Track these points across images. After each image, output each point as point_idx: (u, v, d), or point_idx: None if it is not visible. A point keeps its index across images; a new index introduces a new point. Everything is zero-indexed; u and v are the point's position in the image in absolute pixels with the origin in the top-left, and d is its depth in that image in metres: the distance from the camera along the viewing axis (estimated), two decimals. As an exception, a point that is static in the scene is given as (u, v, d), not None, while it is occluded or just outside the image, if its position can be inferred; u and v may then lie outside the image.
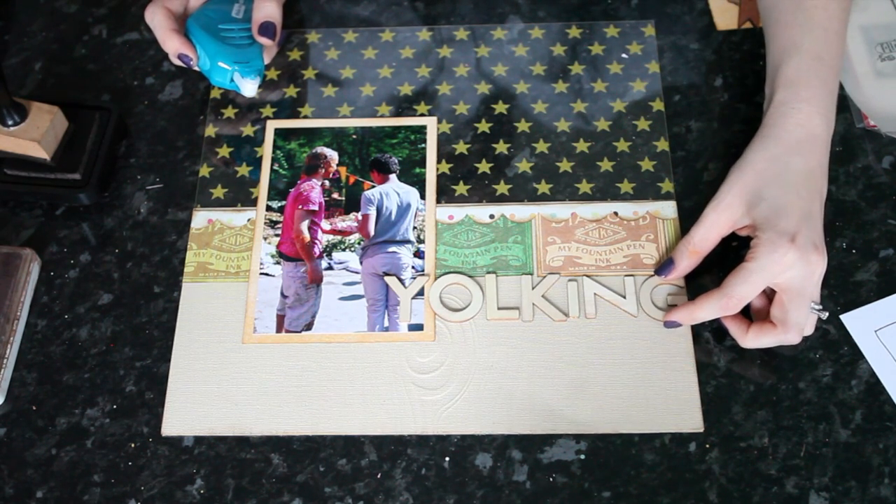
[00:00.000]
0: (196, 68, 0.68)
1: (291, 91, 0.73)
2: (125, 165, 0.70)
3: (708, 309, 0.59)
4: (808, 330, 0.59)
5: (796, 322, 0.57)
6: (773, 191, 0.59)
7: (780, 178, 0.59)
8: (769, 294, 0.59)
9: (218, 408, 0.60)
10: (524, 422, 0.59)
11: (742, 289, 0.57)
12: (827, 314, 0.60)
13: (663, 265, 0.62)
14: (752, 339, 0.59)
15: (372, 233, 0.66)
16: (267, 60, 0.71)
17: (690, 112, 0.70)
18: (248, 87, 0.69)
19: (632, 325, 0.62)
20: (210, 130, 0.72)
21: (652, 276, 0.63)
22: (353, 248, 0.66)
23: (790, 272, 0.57)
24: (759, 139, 0.61)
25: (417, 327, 0.62)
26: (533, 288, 0.63)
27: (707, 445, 0.58)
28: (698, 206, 0.66)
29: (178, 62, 0.68)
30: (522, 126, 0.70)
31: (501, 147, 0.70)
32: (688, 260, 0.61)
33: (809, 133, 0.60)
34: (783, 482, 0.57)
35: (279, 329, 0.63)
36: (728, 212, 0.60)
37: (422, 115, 0.71)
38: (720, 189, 0.61)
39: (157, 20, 0.67)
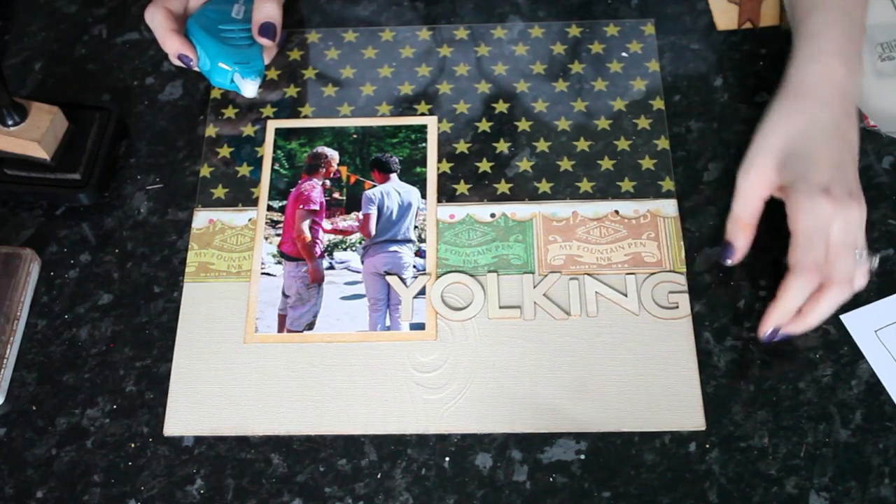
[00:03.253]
0: (196, 69, 0.68)
1: (292, 91, 0.73)
2: (125, 165, 0.70)
3: (793, 292, 0.56)
4: (860, 282, 0.57)
5: (845, 275, 0.55)
6: (800, 146, 0.58)
7: (807, 132, 0.58)
8: None
9: (219, 408, 0.60)
10: (526, 420, 0.59)
11: (809, 255, 0.55)
12: (877, 261, 0.58)
13: (724, 250, 0.61)
14: (813, 313, 0.56)
15: (373, 232, 0.66)
16: (267, 61, 0.71)
17: (690, 112, 0.70)
18: (249, 88, 0.69)
19: (633, 323, 0.62)
20: (210, 130, 0.72)
21: (653, 273, 0.63)
22: (354, 248, 0.66)
23: (832, 225, 0.55)
24: (781, 95, 0.60)
25: (419, 326, 0.62)
26: (534, 287, 0.63)
27: (707, 445, 0.58)
28: (699, 205, 0.66)
29: (177, 63, 0.68)
30: (523, 125, 0.70)
31: (502, 146, 0.70)
32: (742, 234, 0.60)
33: (832, 84, 0.59)
34: (783, 482, 0.57)
35: (281, 329, 0.63)
36: (759, 175, 0.59)
37: (422, 114, 0.71)
38: (747, 153, 0.60)
39: (157, 20, 0.67)
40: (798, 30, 0.63)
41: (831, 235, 0.56)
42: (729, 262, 0.61)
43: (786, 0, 0.68)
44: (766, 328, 0.58)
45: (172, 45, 0.67)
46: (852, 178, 0.57)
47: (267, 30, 0.68)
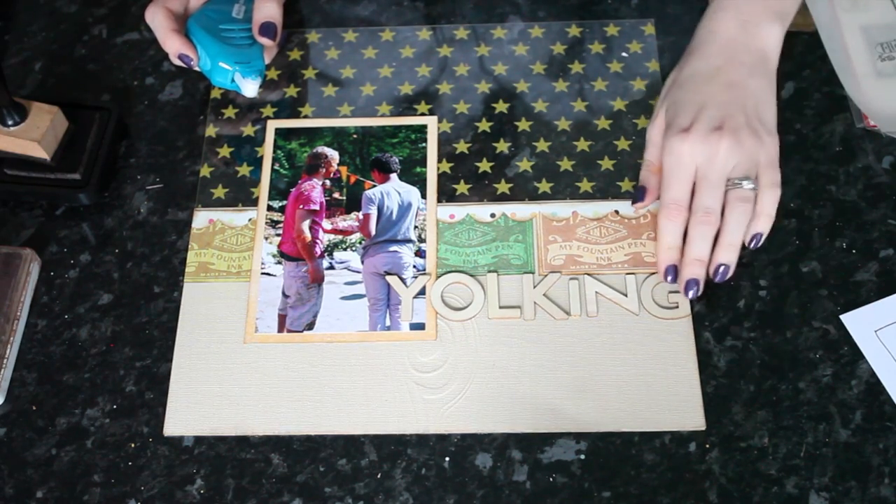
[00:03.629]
0: (196, 68, 0.68)
1: (292, 91, 0.73)
2: (125, 165, 0.70)
3: (663, 230, 0.61)
4: (742, 207, 0.60)
5: (702, 206, 0.59)
6: (676, 94, 0.63)
7: (685, 82, 0.63)
8: None
9: (219, 408, 0.60)
10: (526, 420, 0.59)
11: (668, 194, 0.60)
12: (749, 183, 0.60)
13: (636, 193, 0.65)
14: (689, 247, 0.60)
15: (373, 232, 0.66)
16: (267, 60, 0.71)
17: (691, 112, 0.70)
18: (249, 88, 0.69)
19: (633, 323, 0.62)
20: (210, 130, 0.72)
21: (653, 273, 0.63)
22: (354, 248, 0.66)
23: (694, 161, 0.60)
24: (684, 54, 0.66)
25: (419, 326, 0.62)
26: (534, 287, 0.63)
27: (707, 445, 0.58)
28: (699, 206, 0.66)
29: (178, 62, 0.68)
30: (523, 125, 0.70)
31: (502, 146, 0.70)
32: (653, 178, 0.64)
33: (721, 38, 0.63)
34: (783, 482, 0.57)
35: (281, 329, 0.63)
36: (657, 124, 0.64)
37: (422, 114, 0.71)
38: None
39: (158, 20, 0.67)
40: None
41: (699, 169, 0.60)
42: (639, 204, 0.65)
43: None
44: (660, 272, 0.62)
45: (173, 45, 0.67)
46: (720, 114, 0.60)
47: (267, 29, 0.68)
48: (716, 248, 0.60)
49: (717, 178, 0.60)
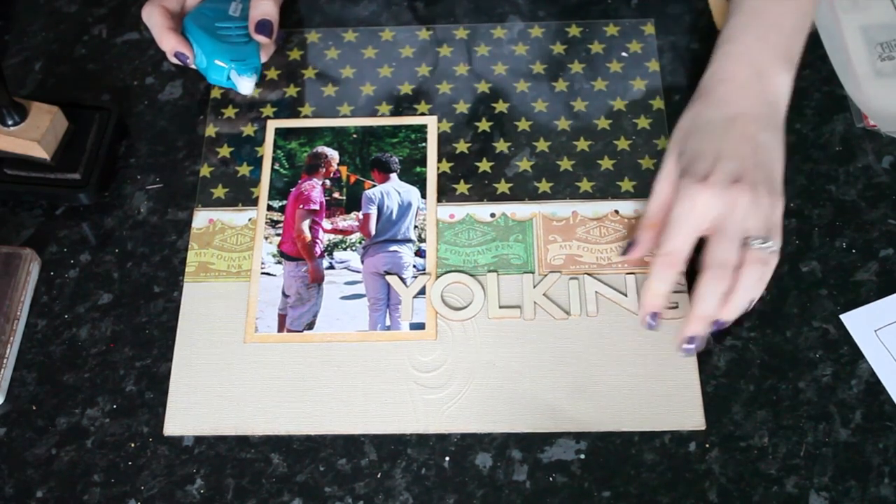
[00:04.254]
0: (193, 66, 0.68)
1: (291, 91, 0.73)
2: (125, 165, 0.70)
3: (655, 276, 0.57)
4: (758, 267, 0.56)
5: (719, 261, 0.55)
6: (691, 144, 0.60)
7: (699, 131, 0.61)
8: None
9: (219, 408, 0.60)
10: (526, 420, 0.59)
11: (671, 243, 0.57)
12: (772, 245, 0.56)
13: (626, 245, 0.62)
14: (694, 302, 0.56)
15: (373, 232, 0.66)
16: (264, 59, 0.72)
17: (690, 112, 0.70)
18: (245, 85, 0.69)
19: (633, 323, 0.62)
20: (210, 130, 0.72)
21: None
22: (354, 248, 0.66)
23: (710, 212, 0.56)
24: (690, 101, 0.64)
25: (419, 326, 0.62)
26: (534, 286, 0.63)
27: (707, 445, 0.58)
28: (699, 206, 0.66)
29: (174, 60, 0.69)
30: (523, 125, 0.70)
31: (502, 146, 0.70)
32: (647, 234, 0.61)
33: (724, 81, 0.62)
34: (783, 482, 0.57)
35: (281, 328, 0.63)
36: (667, 178, 0.61)
37: (422, 114, 0.71)
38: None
39: (154, 18, 0.67)
40: (719, 35, 0.65)
41: (712, 223, 0.57)
42: (629, 256, 0.62)
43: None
44: (642, 316, 0.59)
45: (169, 43, 0.67)
46: (740, 166, 0.57)
47: (263, 27, 0.68)
48: (724, 305, 0.56)
49: (735, 232, 0.56)
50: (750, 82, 0.61)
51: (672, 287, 0.58)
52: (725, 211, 0.56)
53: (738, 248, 0.56)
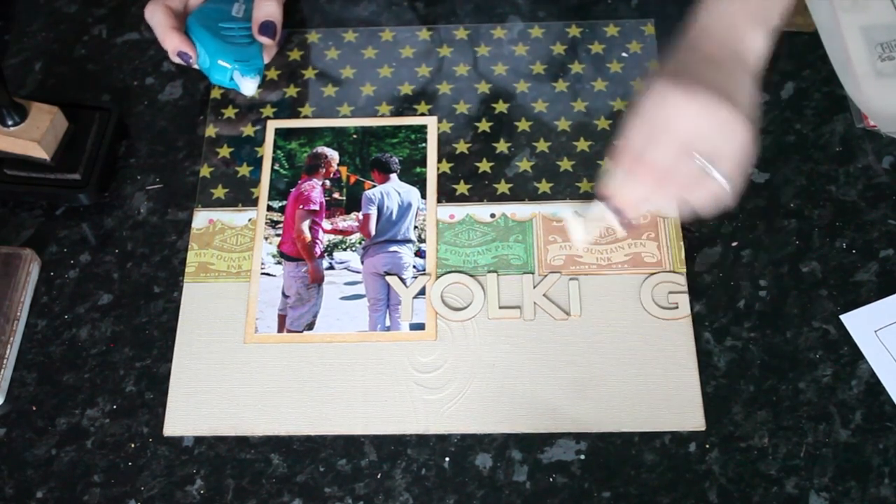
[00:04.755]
0: (195, 66, 0.68)
1: (292, 91, 0.73)
2: (125, 165, 0.70)
3: (632, 181, 0.56)
4: (696, 190, 0.55)
5: (653, 160, 0.54)
6: (679, 70, 0.57)
7: (688, 62, 0.57)
8: None
9: (219, 408, 0.60)
10: (526, 420, 0.59)
11: (630, 135, 0.55)
12: (724, 181, 0.54)
13: (606, 178, 0.58)
14: (626, 189, 0.56)
15: (373, 232, 0.66)
16: (267, 60, 0.72)
17: (691, 112, 0.70)
18: (248, 86, 0.69)
19: (633, 323, 0.62)
20: (210, 130, 0.71)
21: (653, 274, 0.63)
22: (354, 248, 0.66)
23: (695, 126, 0.54)
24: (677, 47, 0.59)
25: (419, 327, 0.62)
26: (534, 287, 0.63)
27: (707, 445, 0.58)
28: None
29: (177, 60, 0.69)
30: (523, 125, 0.70)
31: (502, 146, 0.70)
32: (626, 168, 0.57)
33: (708, 39, 0.58)
34: (783, 482, 0.57)
35: (280, 329, 0.63)
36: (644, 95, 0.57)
37: (422, 114, 0.71)
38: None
39: (157, 18, 0.67)
40: None
41: (658, 114, 0.54)
42: (605, 190, 0.58)
43: None
44: (614, 207, 0.57)
45: (172, 42, 0.67)
46: (721, 94, 0.54)
47: (267, 28, 0.68)
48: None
49: (676, 138, 0.55)
50: (729, 40, 0.59)
51: (647, 195, 0.56)
52: (705, 127, 0.54)
53: (692, 164, 0.55)
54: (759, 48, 0.61)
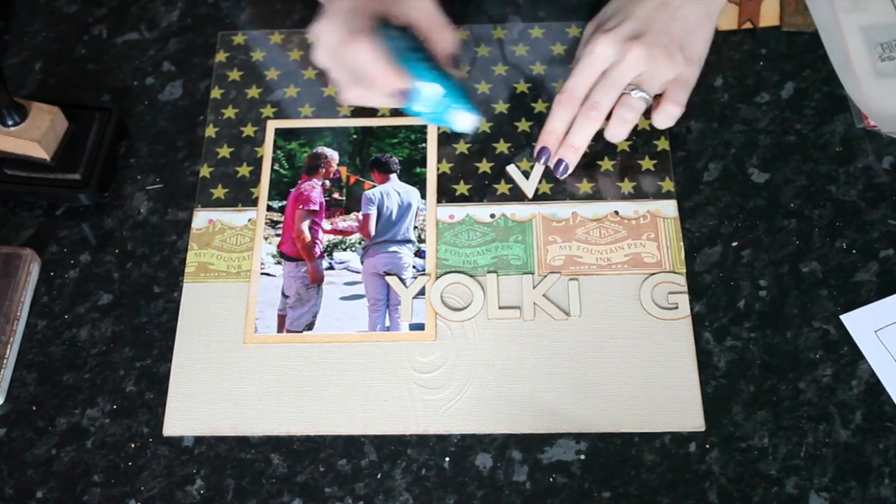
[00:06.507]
0: (406, 107, 0.59)
1: (291, 91, 0.73)
2: (125, 165, 0.70)
3: (553, 114, 0.65)
4: (627, 115, 0.64)
5: (592, 100, 0.63)
6: (611, 6, 0.67)
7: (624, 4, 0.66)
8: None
9: (219, 408, 0.60)
10: (525, 421, 0.59)
11: (571, 82, 0.64)
12: (644, 95, 0.64)
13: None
14: (570, 135, 0.65)
15: (373, 232, 0.66)
16: None
17: (690, 112, 0.70)
18: (470, 123, 0.60)
19: (633, 323, 0.62)
20: (210, 130, 0.71)
21: (653, 274, 0.63)
22: (353, 248, 0.66)
23: (604, 59, 0.63)
24: None
25: (418, 327, 0.62)
26: (534, 287, 0.63)
27: (707, 445, 0.58)
28: (698, 206, 0.66)
29: (378, 101, 0.60)
30: (523, 125, 0.70)
31: (502, 146, 0.70)
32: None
33: None
34: (783, 482, 0.57)
35: (280, 329, 0.63)
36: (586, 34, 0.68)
37: (422, 114, 0.71)
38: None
39: (371, 53, 0.56)
40: None
41: (603, 69, 0.63)
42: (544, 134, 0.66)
43: None
44: (535, 150, 0.66)
45: (392, 81, 0.57)
46: (639, 26, 0.63)
47: (456, 61, 0.62)
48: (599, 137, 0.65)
49: (615, 80, 0.63)
50: None
51: (567, 126, 0.65)
52: (615, 60, 0.63)
53: (614, 93, 0.64)
54: None
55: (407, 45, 0.59)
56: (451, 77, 0.59)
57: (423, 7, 0.60)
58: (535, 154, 0.66)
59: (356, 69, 0.58)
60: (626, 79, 0.63)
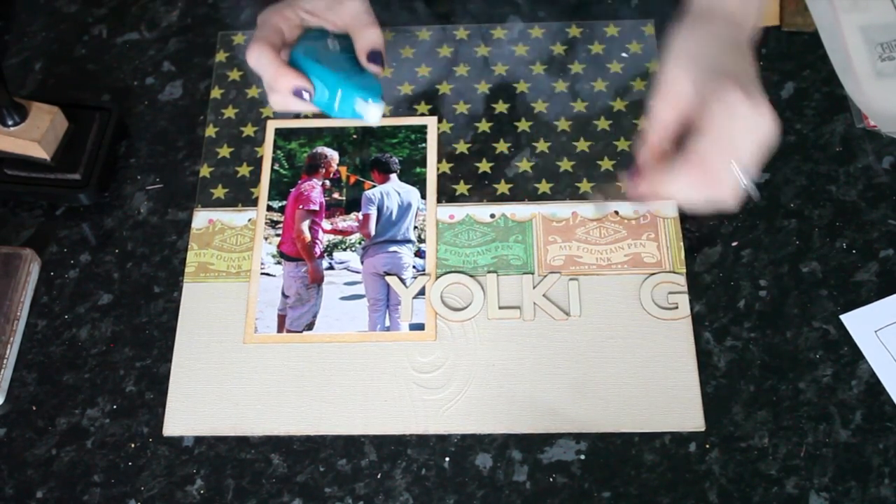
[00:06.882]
0: (312, 105, 0.61)
1: (291, 91, 0.73)
2: (125, 165, 0.70)
3: (680, 183, 0.55)
4: (724, 192, 0.54)
5: (716, 169, 0.53)
6: (712, 61, 0.56)
7: (714, 48, 0.57)
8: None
9: (219, 408, 0.60)
10: (525, 421, 0.59)
11: (708, 150, 0.54)
12: (754, 189, 0.55)
13: (629, 171, 0.58)
14: (666, 185, 0.55)
15: (373, 232, 0.66)
16: None
17: (691, 112, 0.70)
18: (375, 113, 0.61)
19: (633, 323, 0.62)
20: (210, 130, 0.72)
21: (653, 274, 0.63)
22: (353, 248, 0.66)
23: (738, 123, 0.53)
24: (684, 21, 0.59)
25: (418, 327, 0.62)
26: (534, 287, 0.63)
27: (707, 445, 0.58)
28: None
29: (284, 102, 0.61)
30: (523, 125, 0.70)
31: (502, 146, 0.70)
32: (652, 163, 0.57)
33: (727, 8, 0.58)
34: (783, 482, 0.57)
35: (280, 329, 0.63)
36: (677, 101, 0.56)
37: (422, 114, 0.71)
38: (660, 78, 0.57)
39: (267, 57, 0.59)
40: None
41: (734, 132, 0.53)
42: (629, 181, 0.58)
43: None
44: (638, 194, 0.57)
45: (288, 81, 0.59)
46: (757, 90, 0.55)
47: (376, 57, 0.62)
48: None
49: (740, 151, 0.54)
50: (738, 9, 0.59)
51: (683, 191, 0.55)
52: (748, 127, 0.53)
53: (724, 154, 0.54)
54: (755, 16, 0.60)
55: (315, 46, 0.62)
56: (355, 72, 0.62)
57: (351, 9, 0.63)
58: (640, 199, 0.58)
59: (257, 73, 0.61)
60: (742, 152, 0.54)
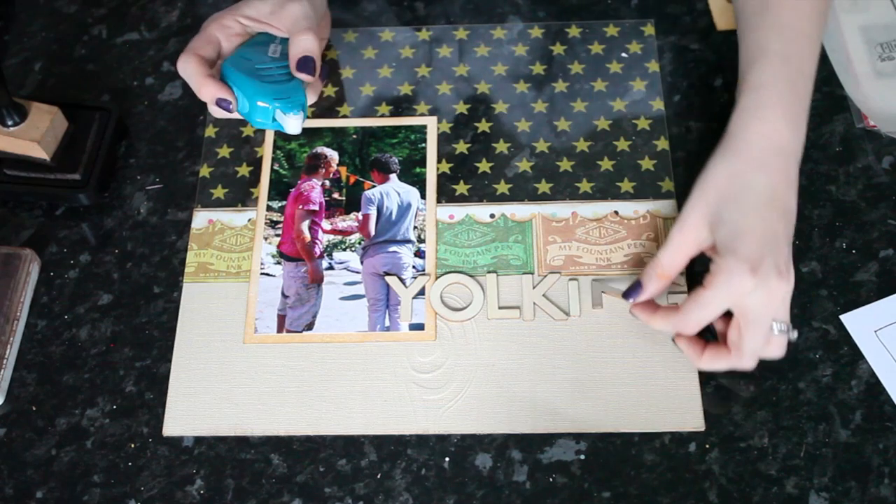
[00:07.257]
0: (235, 113, 0.63)
1: (291, 91, 0.73)
2: (125, 165, 0.70)
3: (663, 324, 0.58)
4: (778, 352, 0.57)
5: (751, 349, 0.56)
6: (733, 213, 0.56)
7: (741, 198, 0.56)
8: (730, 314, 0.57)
9: (219, 408, 0.60)
10: (525, 421, 0.59)
11: (698, 314, 0.56)
12: (796, 334, 0.57)
13: (631, 288, 0.60)
14: (707, 361, 0.58)
15: (372, 232, 0.66)
16: (313, 98, 0.66)
17: (690, 112, 0.70)
18: (292, 124, 0.62)
19: (633, 324, 0.62)
20: (210, 130, 0.72)
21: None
22: (353, 248, 0.66)
23: (748, 299, 0.55)
24: (721, 151, 0.58)
25: (418, 327, 0.62)
26: (534, 287, 0.63)
27: (707, 445, 0.58)
28: (698, 206, 0.66)
29: (217, 111, 0.63)
30: (522, 125, 0.70)
31: (501, 146, 0.70)
32: (656, 284, 0.59)
33: (774, 144, 0.57)
34: (783, 482, 0.57)
35: (280, 329, 0.63)
36: (693, 233, 0.57)
37: (422, 114, 0.71)
38: (684, 208, 0.58)
39: (191, 67, 0.62)
40: (742, 78, 0.60)
41: (747, 309, 0.55)
42: (632, 301, 0.60)
43: (736, 24, 0.65)
44: (634, 307, 0.60)
45: (209, 91, 0.61)
46: (782, 253, 0.56)
47: (305, 64, 0.62)
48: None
49: (767, 322, 0.56)
50: (788, 143, 0.58)
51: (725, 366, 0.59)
52: (763, 303, 0.55)
53: (766, 335, 0.56)
54: (799, 139, 0.59)
55: (247, 53, 0.64)
56: (285, 80, 0.63)
57: (291, 13, 0.64)
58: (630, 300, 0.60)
59: (188, 80, 0.62)
60: (777, 315, 0.57)
